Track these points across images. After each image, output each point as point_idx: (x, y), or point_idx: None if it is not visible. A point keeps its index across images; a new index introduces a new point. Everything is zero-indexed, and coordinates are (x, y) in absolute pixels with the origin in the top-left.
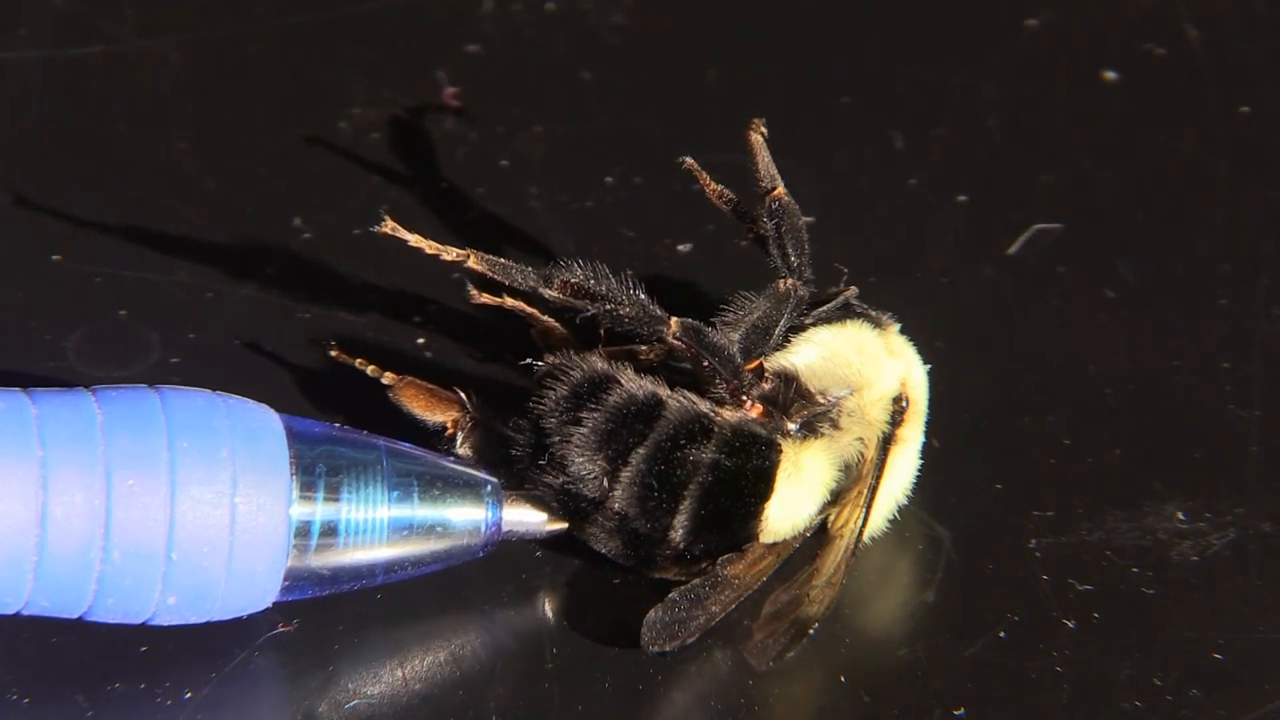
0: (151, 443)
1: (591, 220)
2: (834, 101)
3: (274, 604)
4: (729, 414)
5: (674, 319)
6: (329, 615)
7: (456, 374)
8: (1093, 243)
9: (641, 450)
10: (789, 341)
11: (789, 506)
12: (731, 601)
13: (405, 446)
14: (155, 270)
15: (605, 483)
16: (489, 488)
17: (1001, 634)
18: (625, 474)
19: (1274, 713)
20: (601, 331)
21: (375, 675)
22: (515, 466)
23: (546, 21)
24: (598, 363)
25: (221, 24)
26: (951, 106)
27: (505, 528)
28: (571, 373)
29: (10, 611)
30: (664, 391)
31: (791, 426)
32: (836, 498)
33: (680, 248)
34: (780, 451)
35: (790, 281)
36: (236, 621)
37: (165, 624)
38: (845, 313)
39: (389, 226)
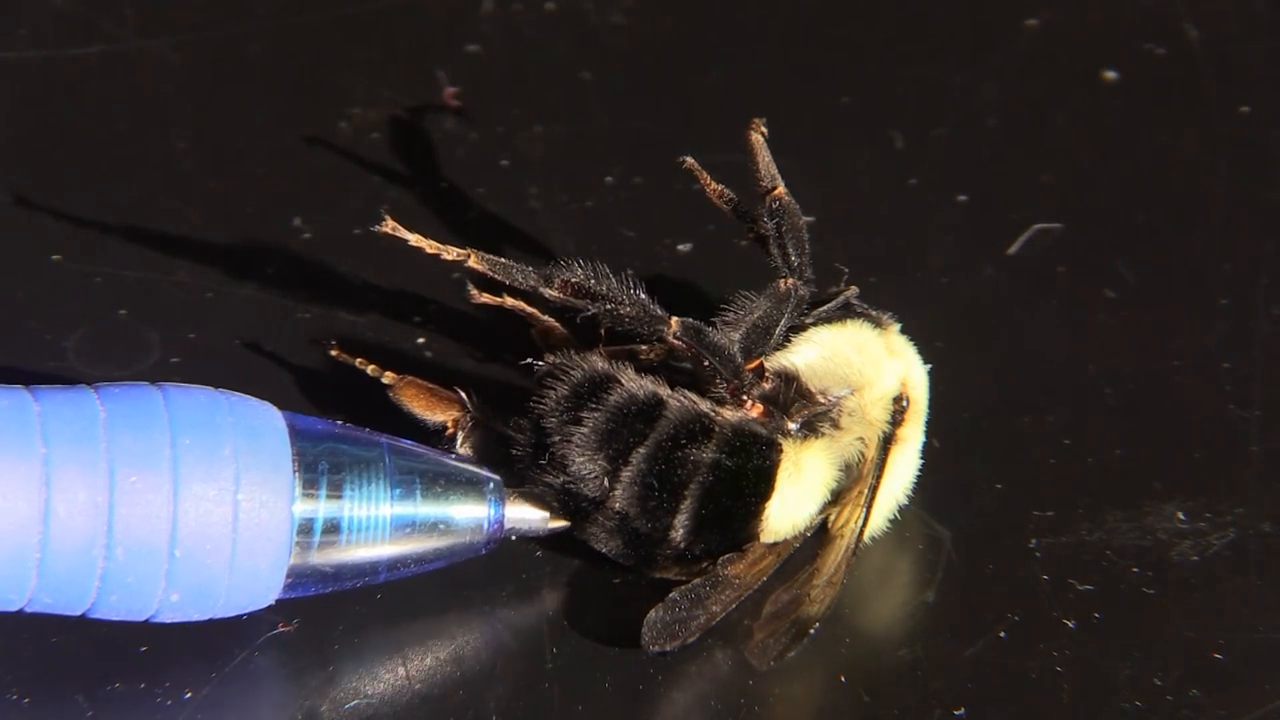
0: (154, 440)
1: (591, 220)
2: (834, 101)
3: (276, 601)
4: (729, 413)
5: (674, 318)
6: (329, 615)
7: (457, 374)
8: (1093, 243)
9: (642, 450)
10: (789, 341)
11: (789, 506)
12: (732, 601)
13: (407, 444)
14: (155, 270)
15: (606, 482)
16: (491, 485)
17: (1001, 634)
18: (626, 473)
19: (1274, 713)
20: (602, 331)
21: (375, 675)
22: (516, 466)
23: (546, 21)
24: (598, 362)
25: (221, 24)
26: (951, 106)
27: (508, 525)
28: (572, 372)
29: (14, 609)
30: (664, 391)
31: (792, 426)
32: (837, 497)
33: (680, 248)
34: (781, 451)
35: (791, 281)
36: (237, 622)
37: (168, 621)
38: (846, 312)
39: (389, 226)
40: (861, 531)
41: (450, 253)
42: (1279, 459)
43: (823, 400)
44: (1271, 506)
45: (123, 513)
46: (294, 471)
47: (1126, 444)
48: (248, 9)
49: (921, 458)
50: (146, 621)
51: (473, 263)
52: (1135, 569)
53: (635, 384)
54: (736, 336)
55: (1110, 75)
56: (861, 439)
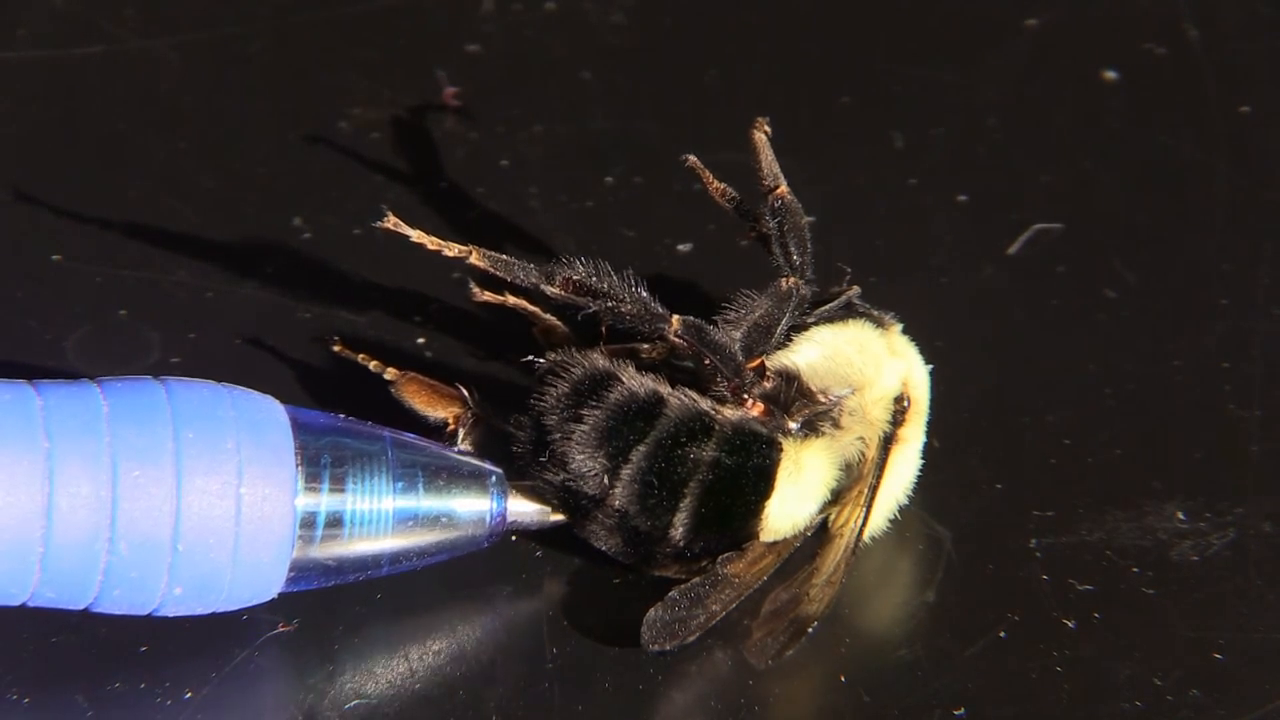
0: (157, 434)
1: (591, 220)
2: (834, 101)
3: (278, 596)
4: (730, 412)
5: (675, 316)
6: (329, 615)
7: (457, 373)
8: (1093, 243)
9: (642, 448)
10: (791, 340)
11: (789, 505)
12: (732, 600)
13: (410, 437)
14: (155, 270)
15: (606, 480)
16: (494, 478)
17: (1001, 634)
18: (626, 471)
19: (1274, 713)
20: (603, 329)
21: (375, 675)
22: (517, 463)
23: (546, 21)
24: (599, 360)
25: (221, 24)
26: (951, 106)
27: (510, 518)
28: (573, 370)
29: (16, 603)
30: (665, 389)
31: (793, 425)
32: (837, 497)
33: (680, 248)
34: (781, 450)
35: (792, 280)
36: (237, 621)
37: (171, 615)
38: (848, 312)
39: (390, 222)
40: (861, 531)
41: (451, 249)
42: (1279, 459)
43: (824, 400)
44: (1271, 506)
45: (126, 507)
46: (297, 465)
47: (1126, 444)
48: (248, 9)
49: (921, 458)
50: (149, 615)
51: (474, 259)
52: (1135, 569)
53: (636, 382)
54: (738, 335)
55: (1110, 75)
56: (862, 438)
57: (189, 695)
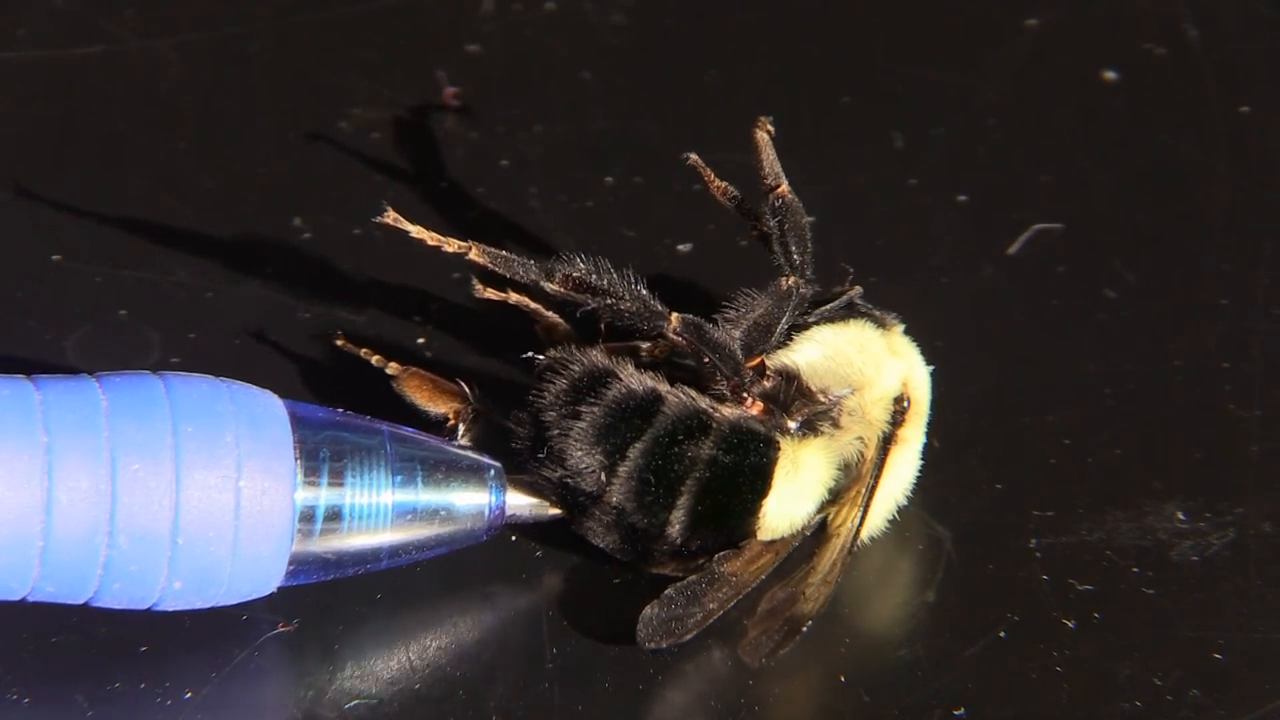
0: (156, 428)
1: (591, 220)
2: (834, 101)
3: (277, 591)
4: (728, 410)
5: (675, 314)
6: (329, 615)
7: (458, 372)
8: (1093, 243)
9: (639, 445)
10: (791, 339)
11: (787, 504)
12: (729, 599)
13: (408, 431)
14: (155, 270)
15: (603, 477)
16: (492, 472)
17: (1001, 634)
18: (623, 468)
19: (1274, 713)
20: (602, 327)
21: (375, 675)
22: (516, 459)
23: (546, 21)
24: (598, 357)
25: (221, 24)
26: (951, 106)
27: (509, 511)
28: (571, 367)
29: (16, 598)
30: (663, 387)
31: (792, 424)
32: (836, 496)
33: (680, 248)
34: (778, 449)
35: (793, 279)
36: (237, 621)
37: (170, 609)
38: (848, 312)
39: (390, 218)
40: (858, 531)
41: (451, 245)
42: (1279, 459)
43: (823, 399)
44: (1271, 506)
45: (125, 501)
46: (296, 459)
47: (1126, 444)
48: (248, 9)
49: (921, 458)
50: (149, 611)
51: (474, 255)
52: (1135, 569)
53: (634, 379)
54: (737, 334)
55: (1110, 75)
56: (861, 438)
57: (189, 695)
